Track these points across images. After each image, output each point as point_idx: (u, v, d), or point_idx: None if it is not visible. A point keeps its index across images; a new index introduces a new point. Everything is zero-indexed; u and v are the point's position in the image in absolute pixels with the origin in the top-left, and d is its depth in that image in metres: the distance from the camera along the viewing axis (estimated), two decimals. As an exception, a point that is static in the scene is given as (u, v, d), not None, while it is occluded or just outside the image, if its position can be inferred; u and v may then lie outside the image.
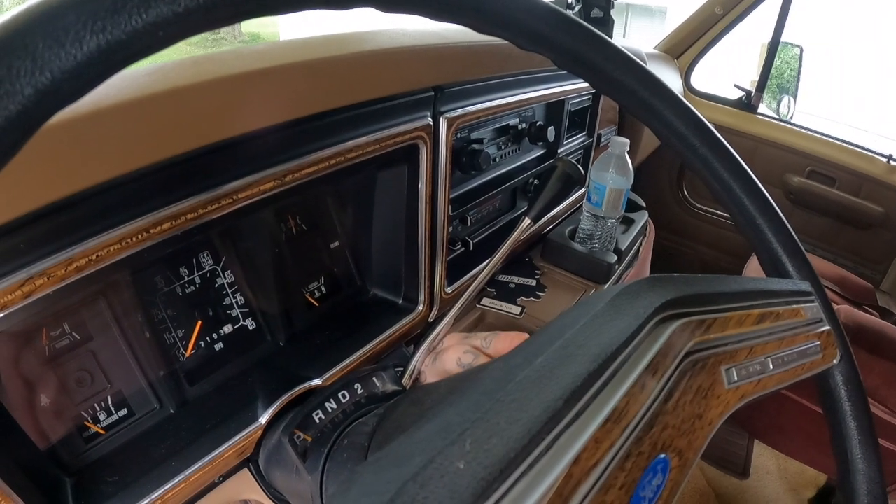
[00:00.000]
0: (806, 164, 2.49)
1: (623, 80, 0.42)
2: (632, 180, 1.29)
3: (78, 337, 0.61)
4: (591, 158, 1.56)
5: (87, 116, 0.46)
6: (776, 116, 2.72)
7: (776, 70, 2.66)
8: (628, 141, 1.29)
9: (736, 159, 0.47)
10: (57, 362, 0.60)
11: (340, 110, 0.69)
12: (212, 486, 0.68)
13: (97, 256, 0.49)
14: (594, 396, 0.28)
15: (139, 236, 0.52)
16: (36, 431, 0.58)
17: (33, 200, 0.45)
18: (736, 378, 0.38)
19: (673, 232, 2.78)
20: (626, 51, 0.41)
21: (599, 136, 1.58)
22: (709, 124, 0.45)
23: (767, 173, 2.55)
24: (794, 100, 2.85)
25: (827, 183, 2.48)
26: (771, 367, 0.41)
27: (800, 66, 2.92)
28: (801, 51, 2.85)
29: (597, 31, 0.40)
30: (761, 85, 2.52)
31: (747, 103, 2.56)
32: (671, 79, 2.49)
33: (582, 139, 1.51)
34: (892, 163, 2.40)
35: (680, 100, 0.44)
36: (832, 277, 2.31)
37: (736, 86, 2.60)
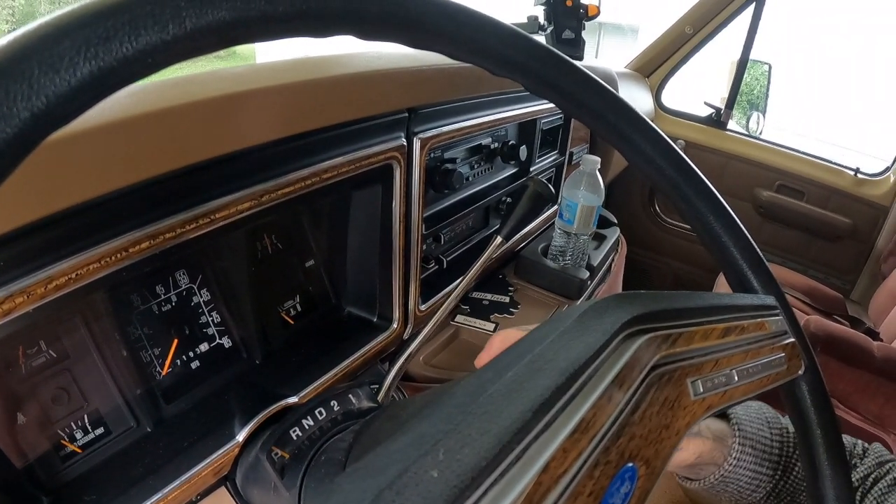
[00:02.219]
0: (775, 179, 2.53)
1: (590, 104, 0.43)
2: (603, 197, 1.31)
3: (55, 355, 0.61)
4: (563, 176, 1.58)
5: (68, 137, 0.46)
6: (745, 132, 2.77)
7: (746, 87, 2.71)
8: (599, 159, 1.31)
9: (701, 179, 0.48)
10: (33, 380, 0.60)
11: (317, 132, 0.70)
12: (189, 506, 0.68)
13: (77, 275, 0.49)
14: (562, 408, 0.29)
15: (118, 255, 0.52)
16: (12, 450, 0.58)
17: (14, 219, 0.45)
18: (702, 390, 0.39)
19: (645, 247, 2.81)
20: (593, 75, 0.42)
21: (571, 154, 1.60)
22: (673, 145, 0.47)
23: (737, 188, 2.59)
24: (764, 116, 2.89)
25: (796, 196, 2.52)
26: (736, 378, 0.42)
27: (768, 82, 2.96)
28: (770, 68, 2.90)
29: (565, 56, 0.41)
30: (730, 102, 2.56)
31: (717, 120, 2.60)
32: (642, 97, 2.52)
33: (554, 157, 1.53)
34: (859, 175, 2.45)
35: (645, 122, 0.45)
36: (802, 289, 2.34)
37: (706, 103, 2.64)
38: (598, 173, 1.30)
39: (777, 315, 0.47)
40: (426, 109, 0.88)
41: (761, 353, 0.44)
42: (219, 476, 0.68)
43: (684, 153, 0.47)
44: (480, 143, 1.19)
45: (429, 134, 0.88)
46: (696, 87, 3.10)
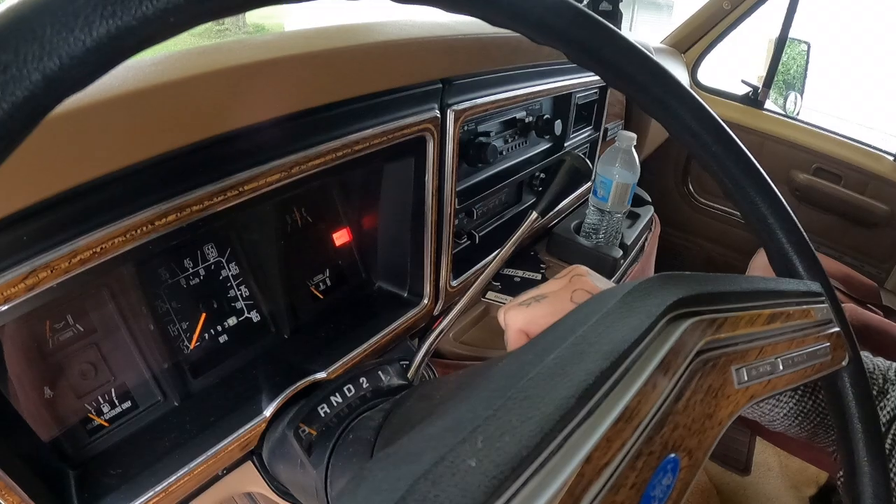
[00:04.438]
0: (812, 161, 2.48)
1: (636, 76, 0.41)
2: (638, 175, 1.29)
3: (82, 329, 0.61)
4: (598, 152, 1.55)
5: (92, 106, 0.45)
6: (783, 112, 2.71)
7: (783, 66, 2.64)
8: (635, 136, 1.28)
9: (748, 158, 0.46)
10: (60, 354, 0.60)
11: (348, 102, 0.69)
12: (215, 479, 0.68)
13: (101, 249, 0.49)
14: (606, 395, 0.27)
15: (144, 228, 0.51)
16: (39, 424, 0.58)
17: (37, 192, 0.44)
18: (746, 378, 0.37)
19: (678, 227, 2.77)
20: (640, 46, 0.41)
21: (606, 130, 1.58)
22: (722, 122, 0.45)
23: (773, 169, 2.53)
24: (801, 96, 2.83)
25: (833, 180, 2.47)
26: (781, 367, 0.40)
27: (807, 62, 2.90)
28: (809, 47, 2.83)
29: (611, 25, 0.39)
30: (768, 81, 2.50)
31: (754, 99, 2.55)
32: (678, 73, 2.47)
33: (588, 133, 1.50)
34: (898, 161, 2.39)
35: (693, 97, 0.44)
36: (837, 275, 2.30)
37: (743, 81, 2.58)
38: (633, 150, 1.28)
39: (823, 303, 0.46)
40: (461, 80, 0.86)
41: (806, 341, 0.43)
42: (245, 451, 0.68)
43: None
44: (515, 117, 1.17)
45: (463, 106, 0.86)
46: (726, 64, 3.05)
